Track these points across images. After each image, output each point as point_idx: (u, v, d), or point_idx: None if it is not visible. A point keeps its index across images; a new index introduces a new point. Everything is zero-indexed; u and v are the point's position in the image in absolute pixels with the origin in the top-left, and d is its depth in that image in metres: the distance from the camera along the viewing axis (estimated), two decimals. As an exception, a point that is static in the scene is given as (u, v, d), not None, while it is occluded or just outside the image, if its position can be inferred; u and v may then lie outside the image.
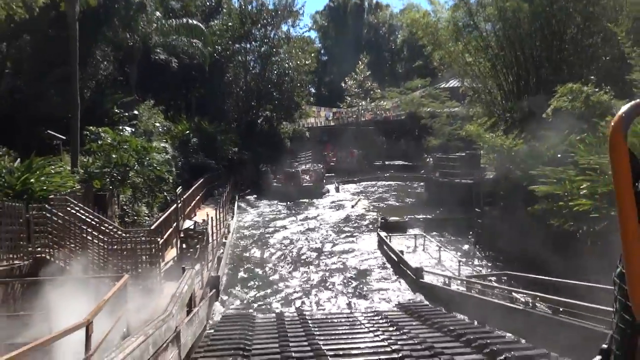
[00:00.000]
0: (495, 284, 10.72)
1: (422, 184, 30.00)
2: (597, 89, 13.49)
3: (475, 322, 8.82)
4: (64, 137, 18.96)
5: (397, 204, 27.85)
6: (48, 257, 10.66)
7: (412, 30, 28.71)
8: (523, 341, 7.91)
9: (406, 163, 40.34)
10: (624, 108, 0.92)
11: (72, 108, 15.56)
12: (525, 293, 8.61)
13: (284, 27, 37.80)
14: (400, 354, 7.16)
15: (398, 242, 16.10)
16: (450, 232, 18.58)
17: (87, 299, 8.03)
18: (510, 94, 24.40)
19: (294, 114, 39.35)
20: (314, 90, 62.25)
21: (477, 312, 9.22)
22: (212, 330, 9.12)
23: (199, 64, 33.72)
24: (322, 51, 68.45)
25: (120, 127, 25.02)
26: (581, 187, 10.38)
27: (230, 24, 36.52)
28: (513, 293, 8.86)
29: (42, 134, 23.50)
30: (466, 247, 17.23)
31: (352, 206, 26.40)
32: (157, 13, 31.67)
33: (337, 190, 31.78)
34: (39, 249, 10.59)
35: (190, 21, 32.03)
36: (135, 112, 27.62)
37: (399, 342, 7.72)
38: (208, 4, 40.65)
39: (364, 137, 46.06)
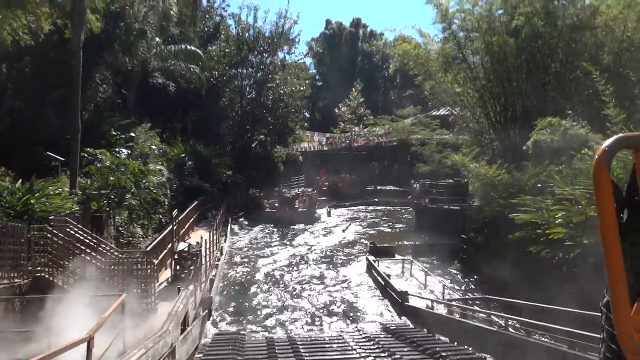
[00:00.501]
0: (476, 307, 11.22)
1: (411, 209, 30.60)
2: (574, 123, 14.25)
3: (455, 344, 9.29)
4: (63, 159, 19.45)
5: (387, 229, 28.36)
6: (47, 276, 11.04)
7: (404, 61, 29.60)
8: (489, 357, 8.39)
9: (397, 188, 40.99)
10: (608, 142, 0.94)
11: (72, 131, 16.11)
12: (500, 315, 9.12)
13: (280, 55, 38.84)
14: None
15: (386, 267, 16.59)
16: (437, 257, 19.10)
17: (85, 316, 8.44)
18: (497, 124, 25.24)
19: (288, 138, 40.11)
20: (308, 115, 63.30)
21: (457, 333, 9.70)
22: (200, 355, 9.45)
23: (195, 88, 34.48)
24: (317, 77, 69.83)
25: (117, 149, 25.52)
26: (556, 216, 10.99)
27: (227, 50, 37.49)
28: (491, 316, 9.36)
29: (39, 154, 23.98)
30: (453, 271, 17.74)
31: (343, 231, 26.89)
32: (157, 39, 32.52)
33: (329, 214, 32.28)
34: (38, 268, 10.98)
35: (188, 47, 32.93)
36: (132, 134, 28.16)
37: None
38: (206, 29, 41.77)
39: (356, 162, 46.89)
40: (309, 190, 36.92)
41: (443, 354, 8.55)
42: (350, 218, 31.87)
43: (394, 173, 45.94)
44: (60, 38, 22.92)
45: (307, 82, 41.21)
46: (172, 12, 19.38)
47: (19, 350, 7.99)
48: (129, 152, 25.95)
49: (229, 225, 25.30)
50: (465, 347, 9.08)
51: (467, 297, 12.73)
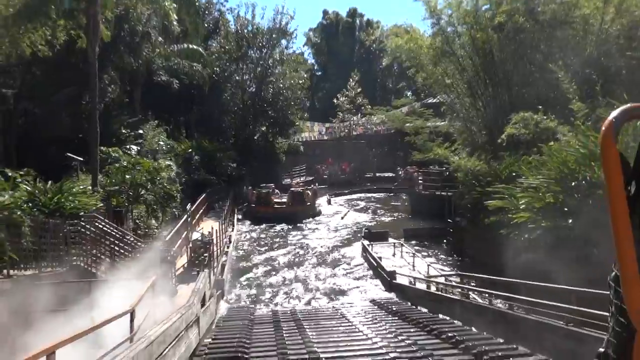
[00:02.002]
0: (454, 282, 12.94)
1: (406, 196, 32.29)
2: (545, 117, 15.82)
3: (431, 313, 11.02)
4: (81, 159, 21.12)
5: (384, 214, 30.07)
6: (82, 264, 12.82)
7: (397, 54, 31.01)
8: (457, 322, 10.08)
9: (395, 175, 42.65)
10: (614, 113, 0.93)
11: (92, 134, 17.69)
12: (464, 287, 10.83)
13: (278, 49, 40.22)
14: (368, 338, 9.33)
15: (379, 250, 18.33)
16: (427, 240, 20.86)
17: (119, 295, 10.20)
18: (484, 114, 26.73)
19: (289, 130, 41.68)
20: (308, 104, 64.83)
21: (434, 304, 11.43)
22: (220, 324, 11.20)
23: (198, 84, 35.97)
24: (315, 67, 71.06)
25: (128, 147, 27.21)
26: (520, 202, 12.63)
27: (227, 47, 38.89)
28: (458, 288, 11.10)
29: (53, 153, 25.61)
30: (440, 253, 19.50)
31: (342, 217, 28.61)
32: (160, 38, 33.90)
33: (329, 203, 33.94)
34: (74, 258, 12.75)
35: (190, 46, 34.38)
36: (141, 131, 29.79)
37: (369, 330, 9.87)
38: (206, 26, 43.14)
39: (355, 151, 48.51)
40: (301, 181, 38.03)
41: (421, 320, 10.28)
42: (349, 205, 33.58)
43: (392, 160, 47.49)
44: (69, 40, 24.21)
45: (305, 75, 42.60)
46: (173, 19, 20.70)
47: (69, 325, 9.73)
48: (139, 148, 27.62)
49: (235, 215, 27.04)
50: (440, 315, 10.81)
51: (444, 274, 14.44)
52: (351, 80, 50.65)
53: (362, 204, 34.51)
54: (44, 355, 5.14)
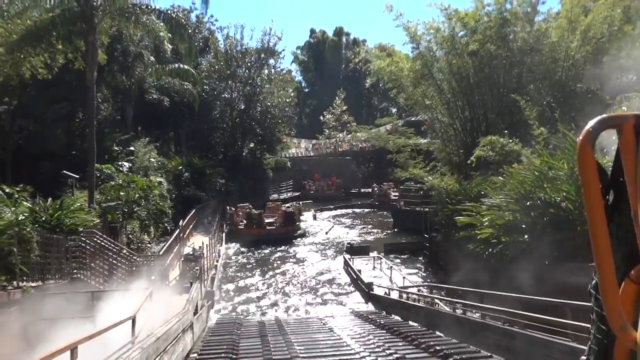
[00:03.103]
0: (425, 292, 14.16)
1: (388, 211, 33.61)
2: (510, 140, 17.26)
3: (399, 318, 12.20)
4: (77, 176, 22.07)
5: (367, 228, 31.31)
6: (81, 276, 13.84)
7: (379, 76, 32.50)
8: (438, 333, 11.25)
9: (371, 191, 44.10)
10: (591, 123, 0.94)
11: (90, 154, 18.69)
12: (429, 296, 12.06)
13: (266, 70, 41.64)
14: (342, 339, 10.47)
15: (360, 263, 19.53)
16: (406, 254, 22.12)
17: (118, 305, 11.24)
18: (464, 134, 28.24)
19: (276, 147, 42.95)
20: (295, 120, 66.33)
21: (404, 312, 12.63)
22: (209, 333, 12.21)
23: (188, 102, 37.13)
24: (303, 84, 72.70)
25: (120, 163, 28.17)
26: (483, 219, 13.95)
27: (217, 66, 40.20)
28: (424, 298, 12.33)
29: (47, 169, 26.44)
30: (418, 265, 20.76)
31: (326, 233, 29.76)
32: (152, 58, 35.06)
33: (314, 218, 35.08)
34: (74, 270, 13.77)
35: (181, 66, 35.56)
36: (132, 148, 30.80)
37: (349, 336, 11.01)
38: (196, 44, 44.44)
39: (341, 167, 49.90)
40: (280, 198, 37.84)
41: (394, 327, 11.44)
42: (334, 220, 34.78)
43: (376, 176, 48.93)
44: (65, 61, 25.08)
45: (292, 94, 44.02)
46: (167, 47, 21.85)
47: (74, 331, 10.72)
48: (131, 165, 28.60)
49: (224, 230, 28.07)
50: (409, 322, 12.00)
51: (415, 285, 15.68)
52: (337, 98, 52.23)
53: (347, 219, 35.74)
54: (68, 349, 6.22)
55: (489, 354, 7.24)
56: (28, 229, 11.35)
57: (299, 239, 28.28)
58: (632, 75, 20.68)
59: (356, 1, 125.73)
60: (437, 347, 7.10)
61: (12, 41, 17.83)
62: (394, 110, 62.90)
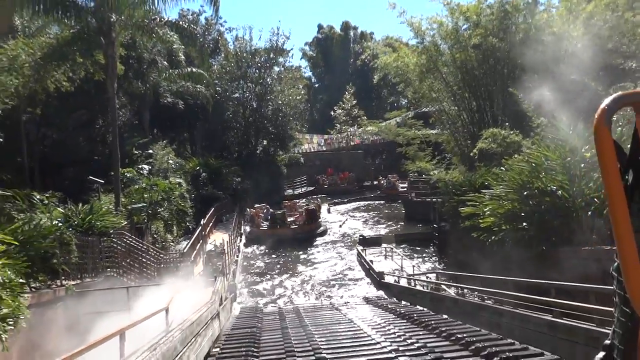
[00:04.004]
0: (432, 279, 15.11)
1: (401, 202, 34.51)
2: (511, 132, 18.04)
3: (409, 304, 13.19)
4: (102, 181, 23.36)
5: (380, 221, 32.26)
6: (114, 274, 15.07)
7: (385, 71, 33.24)
8: (449, 317, 12.20)
9: (377, 183, 44.96)
10: (607, 100, 0.92)
11: (114, 160, 19.92)
12: (431, 282, 13.02)
13: (276, 69, 42.66)
14: (353, 322, 11.48)
15: (372, 254, 20.53)
16: (416, 244, 23.07)
17: (149, 299, 12.40)
18: (471, 125, 28.94)
19: (289, 143, 44.01)
20: (307, 116, 67.33)
21: (412, 298, 13.62)
22: (234, 320, 13.36)
23: (202, 103, 38.32)
24: (312, 79, 73.54)
25: (140, 166, 29.44)
26: (485, 209, 14.82)
27: (228, 68, 41.32)
28: (435, 284, 13.29)
29: (71, 174, 27.67)
30: (428, 254, 21.70)
31: (340, 226, 30.77)
32: (165, 62, 36.24)
33: (329, 211, 36.10)
34: (107, 269, 15.00)
35: (194, 70, 36.74)
36: (151, 151, 32.06)
37: (358, 319, 12.04)
38: (206, 46, 45.59)
39: (353, 161, 50.81)
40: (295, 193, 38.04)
41: (402, 311, 12.43)
42: (347, 213, 35.78)
43: (389, 169, 49.73)
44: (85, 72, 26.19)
45: (302, 92, 44.96)
46: (181, 58, 22.89)
47: (113, 322, 11.91)
48: (150, 167, 29.86)
49: (242, 227, 29.26)
50: (417, 306, 12.99)
51: (423, 272, 16.63)
52: (346, 93, 53.03)
53: (360, 212, 36.71)
54: (118, 334, 7.33)
55: (511, 341, 7.18)
56: (67, 233, 12.53)
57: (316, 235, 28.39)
58: (631, 62, 21.21)
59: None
60: (459, 335, 7.37)
61: (37, 59, 19.02)
62: (403, 101, 63.39)
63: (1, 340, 7.69)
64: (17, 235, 10.92)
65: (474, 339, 6.86)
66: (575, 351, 5.96)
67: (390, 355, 6.82)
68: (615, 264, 0.98)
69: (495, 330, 7.97)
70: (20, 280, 8.48)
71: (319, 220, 28.86)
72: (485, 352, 6.13)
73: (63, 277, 12.32)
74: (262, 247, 25.64)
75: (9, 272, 7.89)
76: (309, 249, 25.53)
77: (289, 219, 27.85)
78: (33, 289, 10.71)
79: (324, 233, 28.04)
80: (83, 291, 12.80)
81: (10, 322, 7.87)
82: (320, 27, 74.24)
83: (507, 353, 5.98)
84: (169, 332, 6.34)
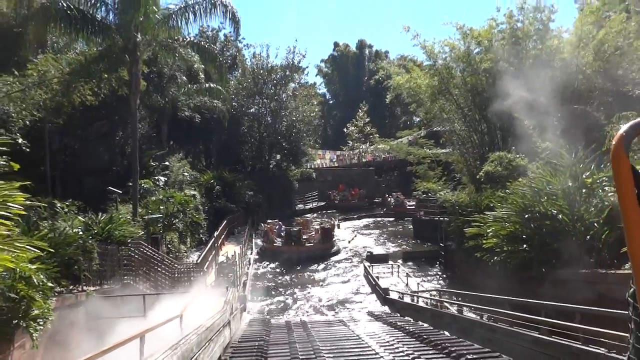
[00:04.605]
0: (435, 296, 15.58)
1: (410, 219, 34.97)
2: (517, 156, 18.57)
3: (412, 320, 13.68)
4: (120, 191, 24.27)
5: (388, 238, 32.73)
6: (130, 281, 15.80)
7: (398, 92, 33.96)
8: (447, 333, 12.69)
9: (382, 200, 45.45)
10: (624, 127, 0.94)
11: (133, 172, 20.79)
12: (433, 299, 13.52)
13: (291, 85, 43.69)
14: (360, 338, 12.02)
15: (379, 270, 21.06)
16: (423, 262, 23.55)
17: (163, 306, 13.08)
18: (480, 146, 29.44)
19: (302, 159, 44.83)
20: (320, 132, 68.23)
21: (415, 314, 14.12)
22: (243, 331, 13.96)
23: (218, 118, 39.36)
24: (327, 96, 74.63)
25: (156, 178, 30.37)
26: (488, 230, 15.32)
27: (244, 84, 42.45)
28: (436, 301, 13.79)
29: (90, 184, 28.54)
30: (434, 272, 22.16)
31: (349, 242, 31.27)
32: (184, 78, 37.41)
33: (338, 227, 36.60)
34: (125, 276, 15.74)
35: (212, 85, 37.88)
36: (167, 163, 33.02)
37: (365, 335, 12.58)
38: (225, 62, 46.84)
39: (364, 177, 51.44)
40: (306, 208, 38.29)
41: (405, 326, 12.96)
42: (356, 229, 36.30)
43: (400, 186, 50.22)
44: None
45: (316, 109, 45.85)
46: (201, 77, 23.82)
47: (130, 326, 12.59)
48: (166, 179, 30.79)
49: (253, 239, 29.94)
50: (419, 322, 13.49)
51: (427, 290, 17.12)
52: (360, 110, 53.89)
53: (369, 228, 37.22)
54: (138, 337, 7.99)
55: None
56: (90, 242, 13.32)
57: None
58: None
59: (378, 13, 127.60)
60: (468, 356, 7.48)
61: (65, 74, 20.07)
62: (416, 119, 64.03)
63: (32, 338, 8.41)
64: (44, 242, 11.74)
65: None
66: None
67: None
68: (631, 289, 0.98)
69: (487, 345, 8.50)
70: (50, 284, 9.22)
71: (334, 239, 28.77)
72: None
73: (84, 283, 13.07)
74: (275, 263, 25.64)
75: (42, 276, 8.63)
76: (317, 264, 26.08)
77: (303, 237, 27.68)
78: (56, 293, 11.46)
79: (337, 252, 27.82)
80: (102, 297, 13.54)
81: (40, 323, 8.59)
82: (336, 44, 75.60)
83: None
84: (186, 335, 6.99)
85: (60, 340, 10.57)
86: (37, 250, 7.99)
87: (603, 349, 5.77)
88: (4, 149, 10.80)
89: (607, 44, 24.58)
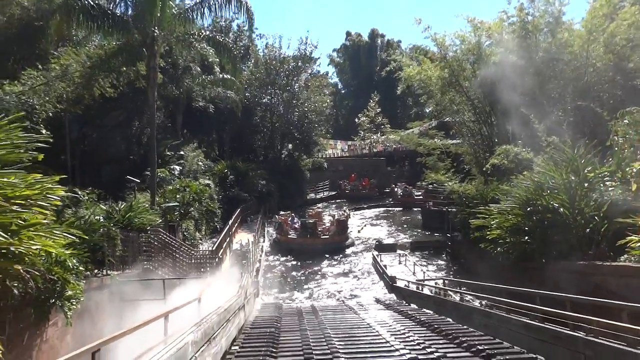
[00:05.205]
0: (439, 285, 16.24)
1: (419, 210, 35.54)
2: (523, 149, 19.03)
3: (416, 306, 14.39)
4: (138, 180, 25.14)
5: (397, 227, 33.37)
6: (150, 267, 16.67)
7: (409, 83, 34.30)
8: (450, 319, 13.37)
9: (390, 190, 45.99)
10: None
11: (151, 162, 21.61)
12: (437, 287, 14.19)
13: (304, 76, 44.20)
14: (367, 323, 12.72)
15: (387, 259, 21.74)
16: (430, 252, 24.20)
17: (181, 290, 13.91)
18: (490, 138, 29.81)
19: (313, 149, 45.48)
20: (331, 122, 68.65)
21: (420, 301, 14.81)
22: (256, 315, 14.77)
23: (231, 108, 40.08)
24: (339, 85, 74.90)
25: (171, 167, 31.23)
26: (492, 222, 15.88)
27: (257, 75, 43.06)
28: (443, 290, 14.48)
29: (108, 173, 29.39)
30: (441, 262, 22.81)
31: (359, 231, 31.95)
32: (198, 69, 38.08)
33: (349, 217, 37.29)
34: (144, 262, 16.61)
35: (225, 76, 38.55)
36: (182, 152, 33.85)
37: (371, 318, 13.28)
38: (237, 52, 47.42)
39: (375, 167, 51.98)
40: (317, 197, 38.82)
41: (409, 312, 13.64)
42: (367, 219, 36.97)
43: (409, 176, 50.71)
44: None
45: (328, 100, 46.34)
46: (217, 71, 24.44)
47: (151, 309, 13.44)
48: (181, 168, 31.65)
49: (266, 228, 30.77)
50: (423, 309, 14.18)
51: (432, 278, 17.78)
52: (371, 100, 54.24)
53: (379, 218, 37.86)
54: (163, 317, 8.78)
55: (533, 356, 7.22)
56: (113, 229, 14.16)
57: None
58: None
59: (391, 2, 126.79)
60: (480, 347, 7.47)
61: (87, 68, 20.86)
62: (427, 110, 64.14)
63: (66, 316, 9.26)
64: (72, 229, 12.58)
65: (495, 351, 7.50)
66: (543, 347, 7.16)
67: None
68: None
69: (484, 330, 9.15)
70: (81, 268, 10.05)
71: (349, 231, 28.51)
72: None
73: (107, 268, 13.92)
74: (288, 256, 25.51)
75: (75, 260, 9.45)
76: (330, 256, 26.80)
77: (318, 229, 27.27)
78: (84, 277, 12.32)
79: (352, 244, 27.61)
80: (125, 280, 14.41)
81: (73, 302, 9.43)
82: (348, 34, 75.68)
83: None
84: (207, 314, 7.74)
85: (88, 318, 11.43)
86: (71, 237, 8.76)
87: (582, 333, 6.39)
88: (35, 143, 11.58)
89: (619, 36, 24.65)
